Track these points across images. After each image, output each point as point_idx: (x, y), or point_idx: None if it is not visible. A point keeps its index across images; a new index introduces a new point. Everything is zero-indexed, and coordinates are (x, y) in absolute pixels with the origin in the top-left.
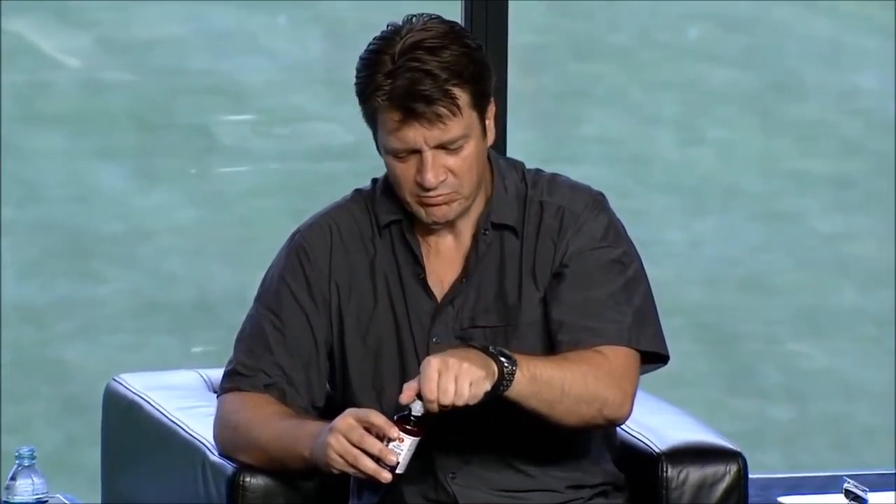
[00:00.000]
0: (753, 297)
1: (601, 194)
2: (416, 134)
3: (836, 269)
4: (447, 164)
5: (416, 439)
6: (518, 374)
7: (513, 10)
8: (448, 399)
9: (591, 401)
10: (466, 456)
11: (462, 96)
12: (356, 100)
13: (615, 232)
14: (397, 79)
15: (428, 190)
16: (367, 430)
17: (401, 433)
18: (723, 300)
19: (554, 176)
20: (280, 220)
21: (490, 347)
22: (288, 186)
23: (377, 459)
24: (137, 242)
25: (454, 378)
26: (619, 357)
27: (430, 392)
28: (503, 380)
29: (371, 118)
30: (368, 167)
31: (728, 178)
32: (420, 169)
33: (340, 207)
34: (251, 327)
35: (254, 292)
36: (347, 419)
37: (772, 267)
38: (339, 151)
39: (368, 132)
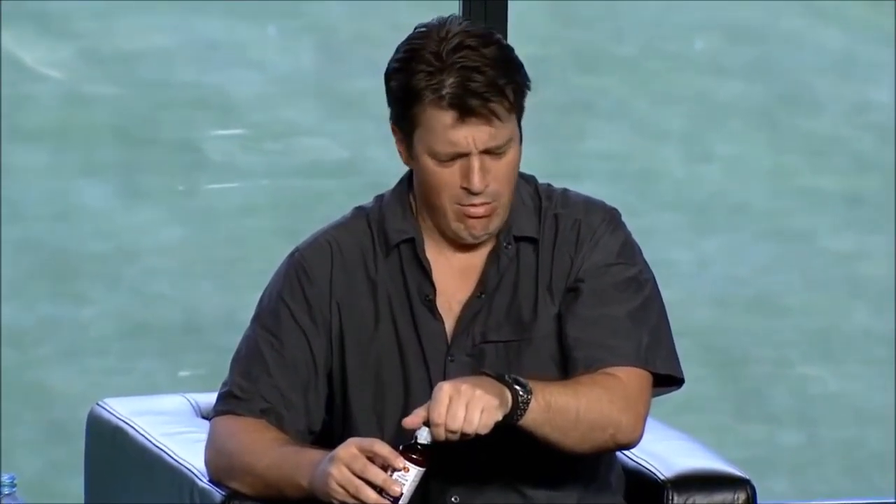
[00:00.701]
0: (762, 319)
1: (616, 210)
2: (467, 135)
3: (849, 290)
4: (491, 169)
5: (422, 469)
6: (533, 403)
7: (513, 19)
8: (456, 424)
9: (606, 426)
10: (470, 481)
11: (510, 95)
12: (387, 105)
13: (631, 249)
14: (448, 76)
15: (473, 196)
16: (371, 459)
17: (406, 463)
18: (731, 322)
19: (566, 190)
20: (270, 240)
21: (505, 375)
22: (278, 204)
23: (380, 490)
24: (122, 262)
25: (465, 404)
26: (634, 379)
27: (439, 416)
28: (517, 408)
29: (410, 121)
30: (362, 184)
31: (736, 194)
32: (466, 174)
33: (341, 226)
34: (248, 348)
35: (244, 314)
36: (350, 448)
37: (781, 287)
38: (332, 168)
39: (363, 147)
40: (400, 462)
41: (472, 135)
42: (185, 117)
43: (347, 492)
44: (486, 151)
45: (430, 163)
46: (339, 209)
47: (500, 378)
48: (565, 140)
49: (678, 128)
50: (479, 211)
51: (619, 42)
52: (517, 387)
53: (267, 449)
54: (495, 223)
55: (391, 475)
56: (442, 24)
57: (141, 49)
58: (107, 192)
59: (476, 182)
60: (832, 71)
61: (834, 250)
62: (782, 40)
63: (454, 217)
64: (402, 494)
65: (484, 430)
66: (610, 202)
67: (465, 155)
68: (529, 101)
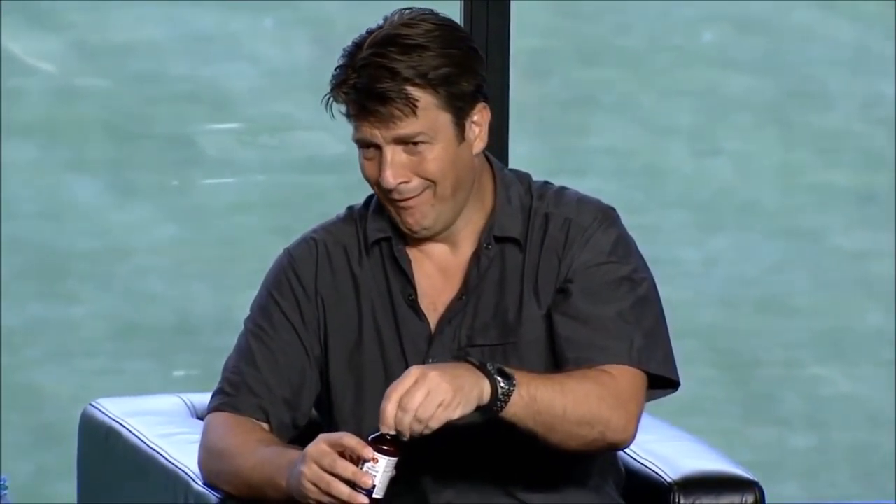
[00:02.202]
0: (772, 319)
1: (612, 208)
2: (371, 128)
3: (860, 289)
4: (411, 165)
5: (393, 459)
6: (515, 395)
7: (515, 12)
8: (411, 406)
9: (594, 423)
10: (461, 485)
11: (423, 98)
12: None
13: (625, 247)
14: (360, 73)
15: (391, 191)
16: (342, 454)
17: (375, 453)
18: (739, 322)
19: (562, 188)
20: (264, 238)
21: (488, 365)
22: (273, 201)
23: (352, 484)
24: (114, 261)
25: (426, 391)
26: (626, 377)
27: (394, 391)
28: (497, 400)
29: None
30: (359, 179)
31: (745, 192)
32: (381, 168)
33: (330, 225)
34: (239, 345)
35: (237, 314)
36: (319, 445)
37: (791, 287)
38: (329, 163)
39: None
40: (368, 452)
41: (375, 128)
42: (178, 111)
43: (319, 489)
44: (400, 142)
45: (358, 153)
46: (335, 205)
47: (482, 367)
48: (568, 135)
49: (685, 123)
50: (406, 204)
51: (624, 34)
52: (499, 378)
53: (252, 451)
54: (430, 217)
55: (362, 467)
56: (394, 14)
57: (133, 41)
58: (98, 188)
59: (388, 177)
60: (843, 65)
61: (845, 249)
62: (792, 33)
63: (392, 210)
64: (374, 486)
65: (433, 426)
66: (615, 199)
67: (378, 146)
68: (530, 95)
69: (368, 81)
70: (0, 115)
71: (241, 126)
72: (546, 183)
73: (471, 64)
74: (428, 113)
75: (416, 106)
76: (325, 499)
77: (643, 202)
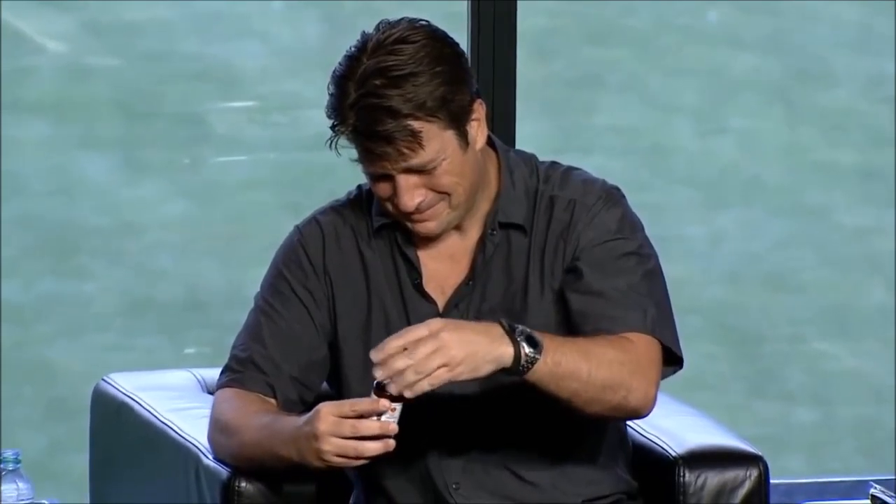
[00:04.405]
0: (777, 296)
1: (616, 188)
2: (382, 163)
3: (865, 266)
4: (424, 184)
5: (402, 403)
6: (539, 362)
7: None
8: (412, 359)
9: (617, 388)
10: (469, 465)
11: (426, 127)
12: None
13: (630, 225)
14: (358, 114)
15: (409, 213)
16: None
17: (391, 403)
18: (745, 299)
19: (569, 169)
20: (275, 215)
21: (517, 330)
22: (284, 178)
23: (376, 437)
24: (124, 237)
25: (435, 348)
26: (644, 345)
27: (405, 339)
28: (520, 366)
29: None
30: None
31: (751, 169)
32: (396, 192)
33: (340, 205)
34: (248, 321)
35: (247, 290)
36: (327, 419)
37: (797, 264)
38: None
39: None
40: (385, 405)
41: (385, 163)
42: (189, 90)
43: (348, 457)
44: (412, 171)
45: (365, 176)
46: (344, 183)
47: (511, 332)
48: (575, 114)
49: (691, 102)
50: (422, 217)
51: (630, 14)
52: (525, 344)
53: (250, 424)
54: (444, 221)
55: (381, 420)
56: (375, 34)
57: (143, 20)
58: (109, 166)
59: (404, 203)
60: (848, 44)
61: (849, 226)
62: (798, 12)
63: (402, 219)
64: (397, 431)
65: (431, 383)
66: (621, 177)
67: (389, 175)
68: (536, 74)
69: (369, 124)
70: (0, 92)
71: (251, 104)
72: (553, 164)
73: (461, 73)
74: (433, 140)
75: (421, 139)
76: (355, 462)
77: (649, 180)
